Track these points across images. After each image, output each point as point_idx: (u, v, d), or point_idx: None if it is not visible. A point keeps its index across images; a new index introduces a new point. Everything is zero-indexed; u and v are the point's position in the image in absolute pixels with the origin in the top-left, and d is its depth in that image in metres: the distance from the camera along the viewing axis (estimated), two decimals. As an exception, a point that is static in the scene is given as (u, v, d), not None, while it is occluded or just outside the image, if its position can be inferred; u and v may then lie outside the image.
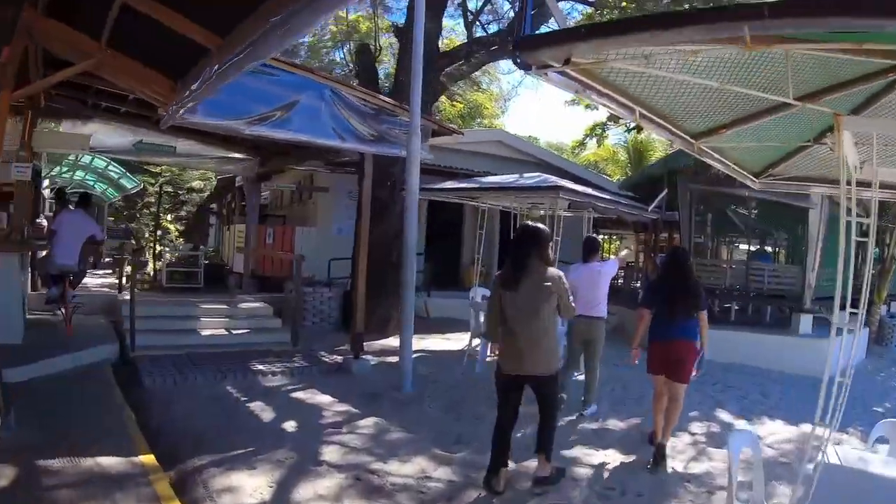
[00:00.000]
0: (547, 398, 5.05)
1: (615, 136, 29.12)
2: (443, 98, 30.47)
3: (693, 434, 7.25)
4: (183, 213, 26.52)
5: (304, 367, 9.17)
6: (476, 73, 34.05)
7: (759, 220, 13.58)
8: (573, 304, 5.12)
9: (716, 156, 4.98)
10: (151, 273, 16.97)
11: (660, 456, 5.75)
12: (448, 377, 9.23)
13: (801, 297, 12.80)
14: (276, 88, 7.38)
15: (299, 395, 7.98)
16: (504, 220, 13.68)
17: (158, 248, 19.85)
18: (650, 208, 11.21)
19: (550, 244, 5.15)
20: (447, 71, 14.02)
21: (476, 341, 9.95)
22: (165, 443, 5.74)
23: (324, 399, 7.80)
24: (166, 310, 11.26)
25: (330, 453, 5.89)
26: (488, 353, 8.70)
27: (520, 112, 74.37)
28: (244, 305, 12.03)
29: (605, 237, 28.71)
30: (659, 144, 27.32)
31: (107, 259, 23.09)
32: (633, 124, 22.84)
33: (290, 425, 6.67)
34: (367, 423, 6.93)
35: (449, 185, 11.63)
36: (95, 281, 15.69)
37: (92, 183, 21.18)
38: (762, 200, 12.89)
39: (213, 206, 24.10)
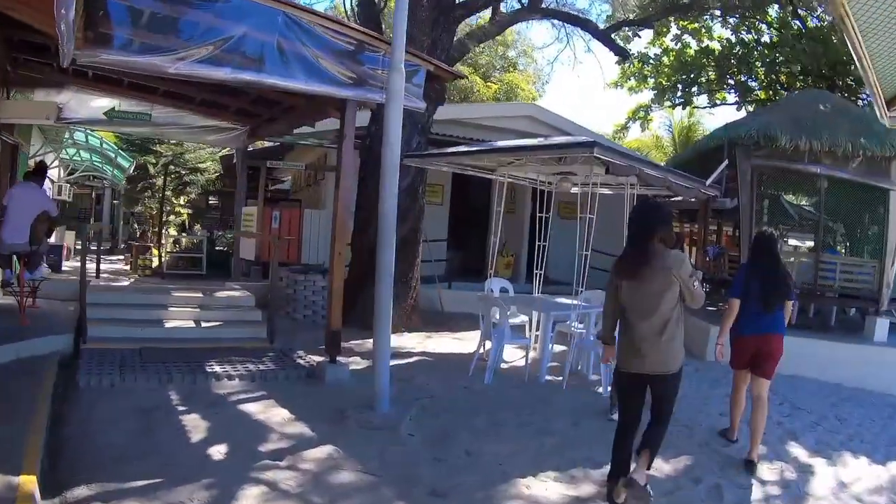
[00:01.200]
0: (664, 399, 4.60)
1: (659, 119, 27.13)
2: (477, 79, 28.91)
3: (763, 484, 5.52)
4: (193, 196, 25.08)
5: (269, 370, 7.56)
6: (512, 52, 32.59)
7: (830, 203, 11.43)
8: (701, 292, 4.55)
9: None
10: (155, 259, 15.77)
11: (751, 471, 5.46)
12: (447, 391, 7.49)
13: (876, 298, 10.76)
14: (212, 17, 5.82)
15: (250, 407, 6.39)
16: (536, 199, 12.12)
17: (165, 232, 18.86)
18: (708, 182, 9.30)
19: (673, 222, 4.65)
20: (469, 32, 12.37)
21: (488, 344, 8.29)
22: (64, 461, 4.65)
23: (277, 415, 6.17)
24: (132, 297, 9.93)
25: (250, 497, 4.38)
26: (549, 361, 7.88)
27: (558, 94, 71.85)
28: (222, 294, 10.52)
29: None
30: (710, 125, 25.34)
31: (122, 245, 22.24)
32: (679, 103, 21.38)
33: (219, 451, 5.15)
34: (318, 455, 5.25)
35: (452, 149, 9.84)
36: (105, 266, 14.90)
37: (100, 164, 19.85)
38: (836, 180, 10.93)
39: (222, 186, 22.85)
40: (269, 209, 14.99)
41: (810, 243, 19.72)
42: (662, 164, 15.09)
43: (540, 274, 9.68)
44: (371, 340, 9.25)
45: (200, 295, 10.22)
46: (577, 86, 74.66)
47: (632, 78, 21.55)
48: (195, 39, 5.73)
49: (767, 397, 5.75)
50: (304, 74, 6.35)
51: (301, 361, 8.16)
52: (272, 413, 6.20)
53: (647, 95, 22.76)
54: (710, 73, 20.11)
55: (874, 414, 8.35)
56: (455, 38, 11.72)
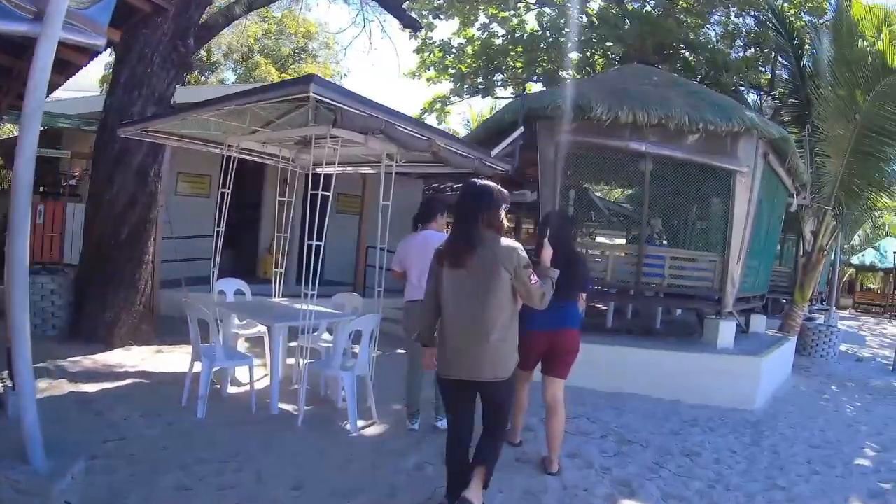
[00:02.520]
0: (495, 407, 4.06)
1: (460, 114, 25.70)
2: (272, 70, 26.31)
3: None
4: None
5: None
6: (314, 44, 30.20)
7: (655, 191, 9.57)
8: (542, 290, 3.90)
9: None
10: None
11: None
12: (146, 428, 5.32)
13: (719, 297, 9.10)
14: None
15: None
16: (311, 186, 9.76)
17: None
18: (494, 153, 7.12)
19: (505, 206, 4.05)
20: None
21: (197, 366, 5.91)
22: None
23: None
24: None
25: None
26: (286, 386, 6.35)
27: (356, 85, 68.51)
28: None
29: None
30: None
31: None
32: (479, 90, 19.75)
33: None
34: None
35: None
36: None
37: None
38: (664, 162, 9.17)
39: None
40: (36, 203, 11.87)
41: (620, 241, 18.55)
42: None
43: (311, 274, 7.41)
44: (94, 356, 7.49)
45: None
46: (375, 76, 72.40)
47: (431, 68, 19.77)
48: None
49: (563, 400, 5.14)
50: None
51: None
52: None
53: (446, 87, 21.14)
54: (516, 61, 18.64)
55: (733, 441, 6.56)
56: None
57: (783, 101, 16.40)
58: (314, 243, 5.64)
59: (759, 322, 11.71)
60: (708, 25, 17.96)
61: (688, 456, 5.84)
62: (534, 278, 3.87)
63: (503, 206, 4.02)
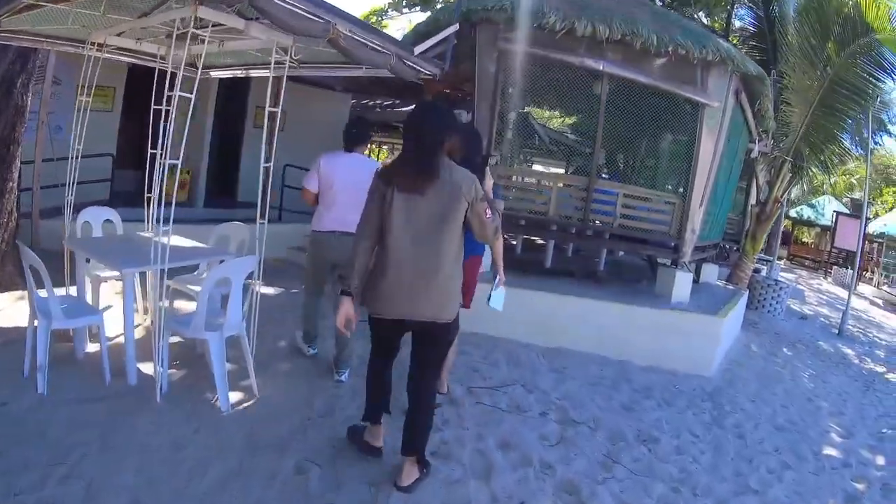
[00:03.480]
0: (433, 356, 3.71)
1: (397, 30, 23.85)
2: None
3: None
4: None
5: None
6: None
7: (610, 117, 8.19)
8: (496, 223, 3.63)
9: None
10: None
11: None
12: None
13: (676, 245, 7.96)
14: None
15: None
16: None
17: None
18: (418, 50, 5.49)
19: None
20: None
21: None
22: None
23: None
24: None
25: None
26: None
27: None
28: None
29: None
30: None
31: None
32: (419, 9, 18.07)
33: None
34: None
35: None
36: None
37: None
38: (622, 83, 7.76)
39: None
40: None
41: (557, 170, 17.34)
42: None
43: (159, 197, 5.74)
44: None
45: None
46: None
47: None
48: None
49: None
50: None
51: None
52: None
53: None
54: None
55: (692, 420, 5.54)
56: None
57: (746, 43, 15.27)
58: (157, 155, 4.35)
59: (710, 272, 10.75)
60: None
61: (645, 443, 4.73)
62: (488, 211, 3.56)
63: (455, 130, 3.77)
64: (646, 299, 7.73)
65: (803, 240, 35.14)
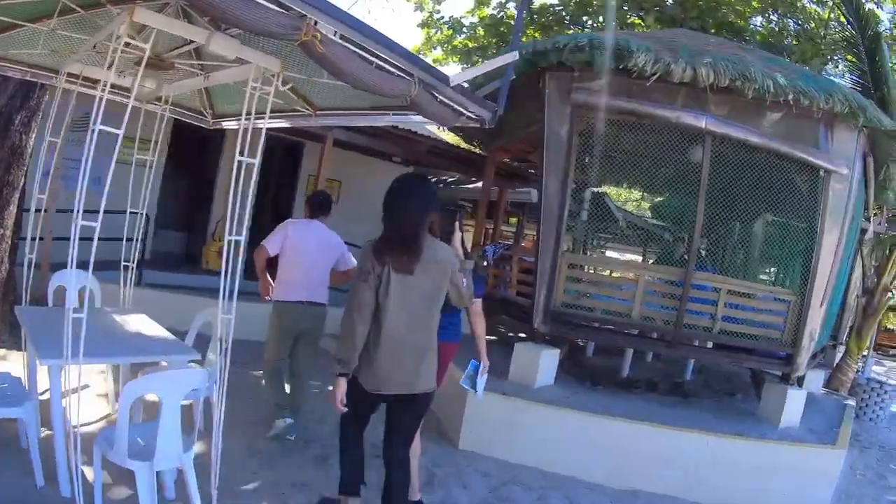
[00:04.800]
0: (410, 425, 3.75)
1: None
2: None
3: None
4: None
5: None
6: None
7: (711, 193, 6.44)
8: (469, 290, 3.74)
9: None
10: None
11: None
12: None
13: (789, 353, 6.18)
14: None
15: None
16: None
17: None
18: (458, 80, 3.91)
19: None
20: None
21: None
22: None
23: None
24: None
25: None
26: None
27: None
28: None
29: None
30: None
31: None
32: None
33: None
34: None
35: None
36: None
37: None
38: (726, 146, 6.02)
39: None
40: None
41: (633, 256, 15.50)
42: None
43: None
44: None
45: None
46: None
47: (438, 47, 16.77)
48: None
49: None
50: None
51: None
52: None
53: (453, 69, 17.96)
54: (534, 32, 15.62)
55: None
56: None
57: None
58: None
59: (814, 378, 8.85)
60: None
61: None
62: (464, 280, 3.68)
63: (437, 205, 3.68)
64: (748, 425, 6.01)
65: (888, 326, 32.40)
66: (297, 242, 5.02)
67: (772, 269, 7.64)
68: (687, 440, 5.46)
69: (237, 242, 3.48)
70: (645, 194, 15.28)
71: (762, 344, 6.24)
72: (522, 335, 7.45)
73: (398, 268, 3.39)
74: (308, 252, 4.95)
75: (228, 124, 6.03)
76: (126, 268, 5.48)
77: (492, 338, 8.65)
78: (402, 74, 3.36)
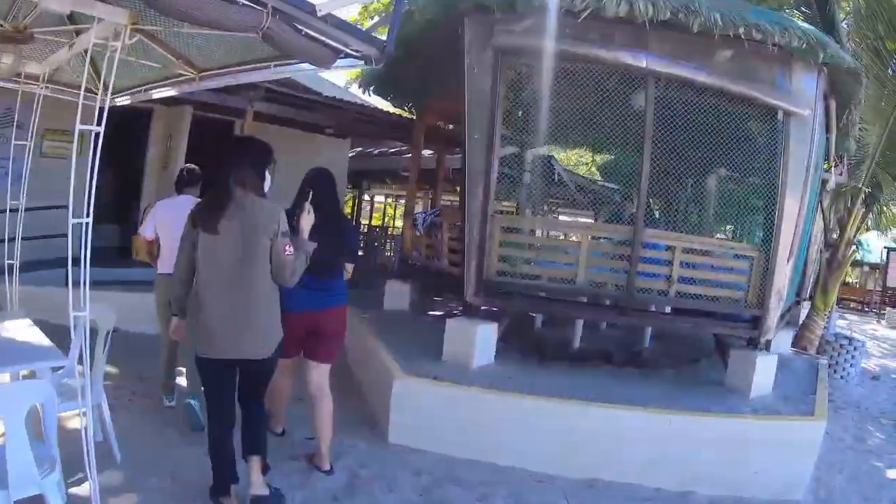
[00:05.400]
0: (256, 386, 3.81)
1: None
2: None
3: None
4: None
5: None
6: None
7: (658, 143, 5.76)
8: (295, 265, 3.61)
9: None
10: None
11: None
12: None
13: (756, 316, 5.61)
14: None
15: None
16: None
17: None
18: (326, 10, 3.03)
19: (268, 164, 3.76)
20: None
21: None
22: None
23: None
24: None
25: None
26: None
27: None
28: None
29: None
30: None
31: None
32: None
33: None
34: None
35: None
36: None
37: None
38: (672, 87, 5.45)
39: None
40: None
41: (585, 220, 14.88)
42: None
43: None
44: None
45: None
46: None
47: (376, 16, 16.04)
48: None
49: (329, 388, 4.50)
50: None
51: None
52: None
53: None
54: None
55: None
56: None
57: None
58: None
59: (784, 338, 8.37)
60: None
61: None
62: (289, 248, 3.54)
63: (264, 164, 3.69)
64: (715, 398, 5.45)
65: (846, 280, 32.54)
66: (165, 220, 5.00)
67: (728, 228, 7.04)
68: (647, 420, 4.84)
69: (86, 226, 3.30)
70: (595, 158, 14.71)
71: (725, 306, 5.68)
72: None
73: (204, 227, 3.46)
74: (178, 227, 4.57)
75: (123, 100, 5.56)
76: (10, 267, 5.32)
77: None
78: (250, 4, 2.67)
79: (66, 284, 4.66)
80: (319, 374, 4.45)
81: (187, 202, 4.95)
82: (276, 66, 3.84)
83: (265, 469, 3.76)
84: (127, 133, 10.34)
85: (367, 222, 23.63)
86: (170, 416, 5.04)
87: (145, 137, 10.41)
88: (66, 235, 3.92)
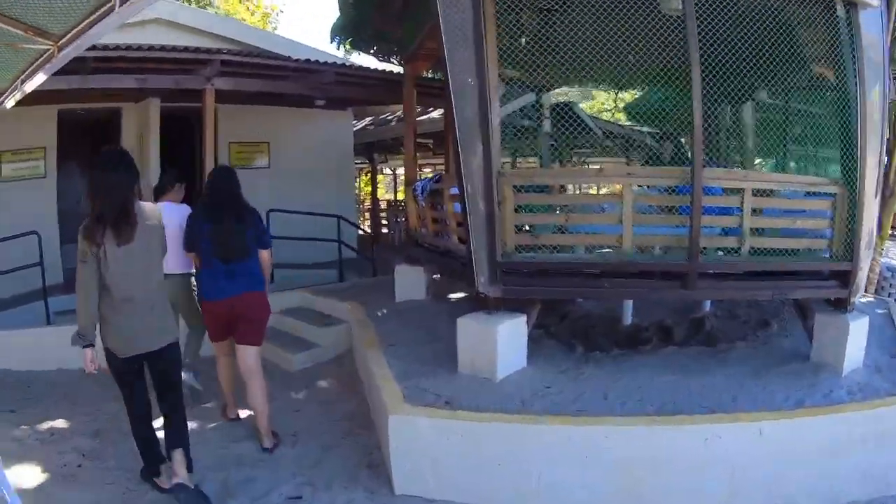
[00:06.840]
0: (169, 373, 3.97)
1: None
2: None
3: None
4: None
5: None
6: None
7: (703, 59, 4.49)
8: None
9: None
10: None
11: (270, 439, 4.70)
12: None
13: (845, 270, 4.41)
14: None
15: None
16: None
17: None
18: None
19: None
20: None
21: None
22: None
23: None
24: None
25: None
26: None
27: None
28: None
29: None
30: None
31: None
32: None
33: None
34: None
35: None
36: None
37: None
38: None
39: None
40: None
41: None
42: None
43: None
44: None
45: None
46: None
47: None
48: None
49: (260, 368, 4.74)
50: None
51: None
52: None
53: None
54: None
55: None
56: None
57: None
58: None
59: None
60: None
61: None
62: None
63: (132, 164, 3.78)
64: (805, 381, 4.22)
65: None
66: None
67: (791, 164, 5.72)
68: (730, 432, 3.63)
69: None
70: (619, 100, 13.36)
71: (806, 262, 4.43)
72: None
73: (120, 240, 3.55)
74: (172, 236, 4.68)
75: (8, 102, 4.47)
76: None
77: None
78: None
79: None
80: (247, 355, 4.67)
81: (169, 209, 4.90)
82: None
83: (189, 463, 3.88)
84: (98, 141, 9.42)
85: (392, 197, 22.16)
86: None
87: (117, 140, 9.25)
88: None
